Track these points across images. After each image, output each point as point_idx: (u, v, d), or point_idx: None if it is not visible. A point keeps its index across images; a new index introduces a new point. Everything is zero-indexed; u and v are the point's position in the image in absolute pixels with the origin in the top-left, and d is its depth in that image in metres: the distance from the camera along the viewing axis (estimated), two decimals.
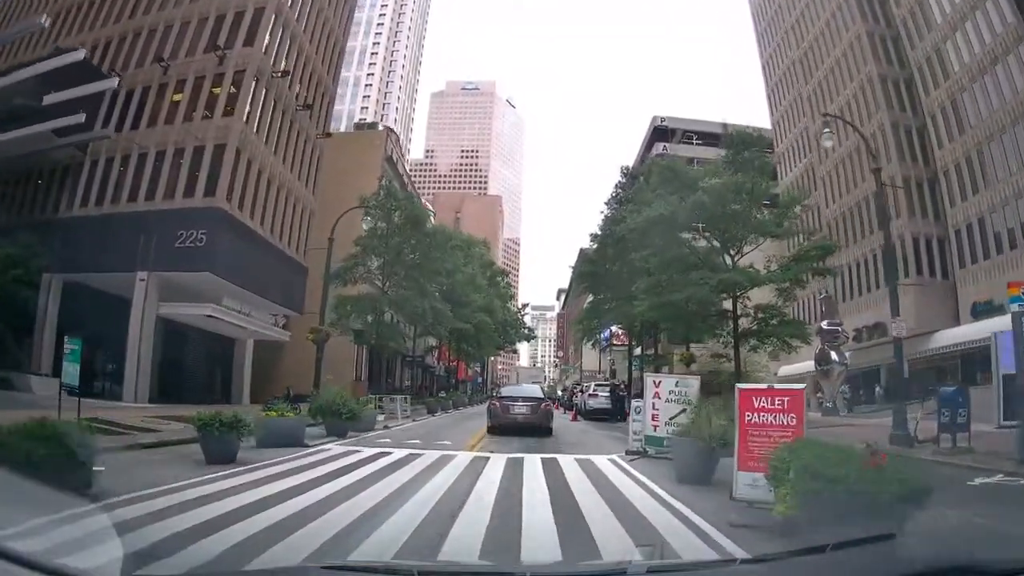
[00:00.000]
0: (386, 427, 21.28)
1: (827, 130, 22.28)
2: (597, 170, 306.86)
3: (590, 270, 43.52)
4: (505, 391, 23.44)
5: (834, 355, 32.85)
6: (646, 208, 30.20)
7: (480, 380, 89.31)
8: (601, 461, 12.21)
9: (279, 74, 33.31)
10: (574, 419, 28.35)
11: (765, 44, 63.27)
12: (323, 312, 26.98)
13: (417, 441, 16.57)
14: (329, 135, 40.41)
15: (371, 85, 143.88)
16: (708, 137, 57.84)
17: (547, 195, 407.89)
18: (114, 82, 29.26)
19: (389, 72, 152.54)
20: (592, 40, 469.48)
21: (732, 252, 29.63)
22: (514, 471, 10.45)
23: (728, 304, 28.89)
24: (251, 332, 34.02)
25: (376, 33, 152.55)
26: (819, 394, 36.01)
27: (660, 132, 68.04)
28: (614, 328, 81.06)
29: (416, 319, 36.57)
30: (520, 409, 19.95)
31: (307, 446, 13.49)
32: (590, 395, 29.60)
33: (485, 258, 64.50)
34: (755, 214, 29.55)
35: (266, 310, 34.87)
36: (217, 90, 31.35)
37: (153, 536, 4.68)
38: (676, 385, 12.97)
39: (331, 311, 34.53)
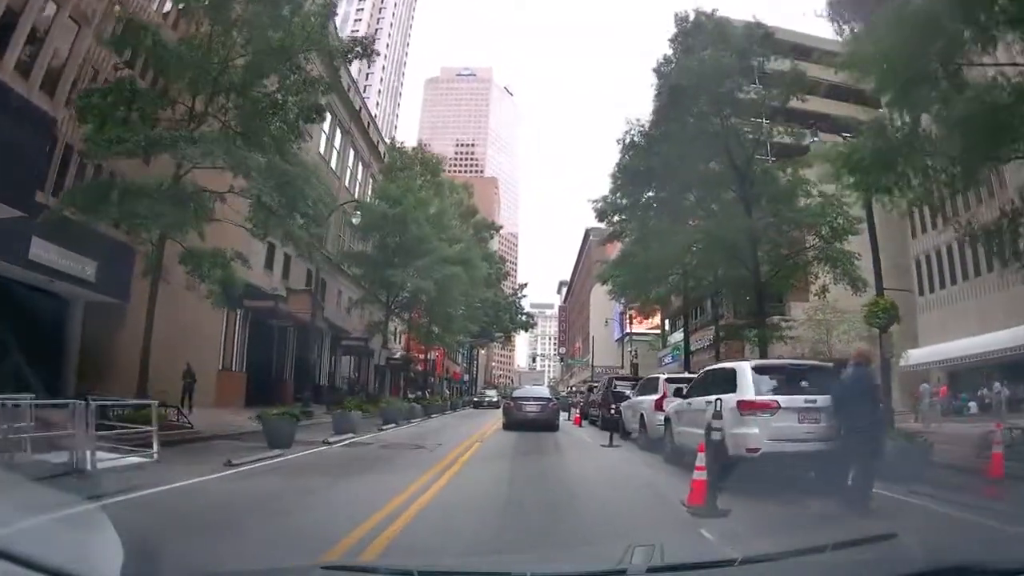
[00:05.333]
0: None
1: None
2: (597, 167, 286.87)
3: (643, 166, 23.00)
4: (517, 393, 23.40)
5: None
6: None
7: (466, 379, 68.40)
8: None
9: None
10: (700, 500, 6.70)
11: None
12: None
13: None
14: None
15: None
16: None
17: (546, 190, 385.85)
18: None
19: (374, 41, 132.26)
20: (590, 30, 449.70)
21: None
22: None
23: None
24: None
25: None
26: None
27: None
28: (630, 309, 61.22)
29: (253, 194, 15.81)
30: (531, 408, 19.90)
31: None
32: (760, 408, 7.99)
33: (466, 205, 44.00)
34: None
35: None
36: None
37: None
38: None
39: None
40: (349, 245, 35.48)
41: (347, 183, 37.71)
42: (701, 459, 7.06)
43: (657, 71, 25.15)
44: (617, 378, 22.00)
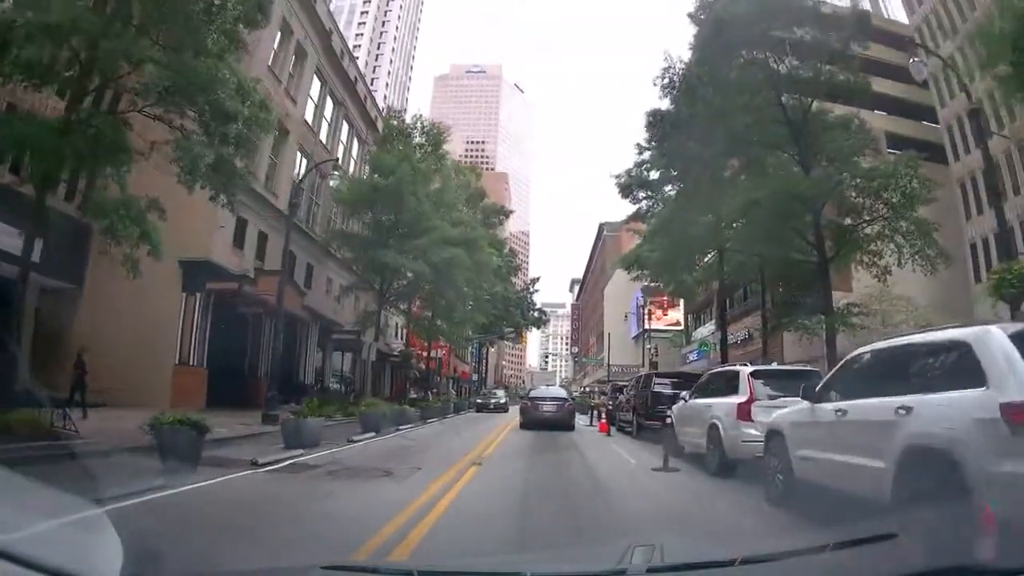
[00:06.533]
0: None
1: None
2: (609, 165, 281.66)
3: (684, 112, 18.72)
4: (534, 393, 23.38)
5: None
6: None
7: (475, 379, 64.09)
8: None
9: None
10: None
11: None
12: None
13: None
14: None
15: (359, 46, 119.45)
16: None
17: (557, 188, 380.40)
18: None
19: (381, 34, 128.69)
20: (600, 25, 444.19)
21: None
22: None
23: None
24: None
25: None
26: None
27: None
28: (650, 302, 56.73)
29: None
30: (548, 407, 20.08)
31: None
32: None
33: (474, 188, 39.82)
34: None
35: None
36: None
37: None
38: None
39: None
40: (343, 226, 31.25)
41: (340, 157, 33.61)
42: None
43: (694, 16, 20.88)
44: (657, 374, 17.48)
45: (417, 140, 29.30)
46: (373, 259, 25.16)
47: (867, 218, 18.81)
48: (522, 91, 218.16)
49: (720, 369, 10.70)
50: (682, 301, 52.66)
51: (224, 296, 21.59)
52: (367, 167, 28.87)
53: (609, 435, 17.02)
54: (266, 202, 24.98)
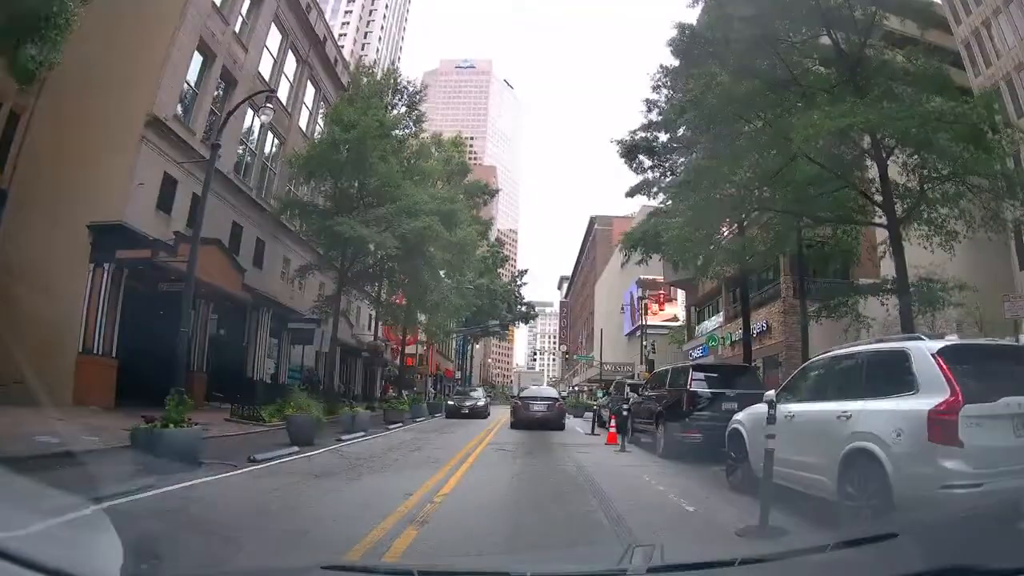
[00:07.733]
0: None
1: None
2: (599, 164, 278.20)
3: (717, 32, 14.45)
4: (525, 393, 23.80)
5: None
6: None
7: (458, 377, 59.64)
8: None
9: None
10: None
11: None
12: None
13: None
14: None
15: (345, 34, 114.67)
16: None
17: (545, 186, 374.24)
18: None
19: (368, 23, 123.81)
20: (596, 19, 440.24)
21: None
22: None
23: None
24: None
25: None
26: None
27: None
28: (646, 295, 53.12)
29: None
30: (539, 407, 20.50)
31: None
32: None
33: (456, 161, 35.60)
34: None
35: None
36: None
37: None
38: None
39: None
40: (305, 197, 26.80)
41: (304, 124, 29.26)
42: None
43: None
44: (695, 367, 12.70)
45: (388, 100, 24.89)
46: (326, 229, 20.90)
47: (945, 172, 14.73)
48: (512, 87, 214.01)
49: (852, 349, 6.10)
50: (680, 294, 48.70)
51: (139, 268, 17.21)
52: (327, 123, 24.40)
53: (623, 450, 12.51)
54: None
